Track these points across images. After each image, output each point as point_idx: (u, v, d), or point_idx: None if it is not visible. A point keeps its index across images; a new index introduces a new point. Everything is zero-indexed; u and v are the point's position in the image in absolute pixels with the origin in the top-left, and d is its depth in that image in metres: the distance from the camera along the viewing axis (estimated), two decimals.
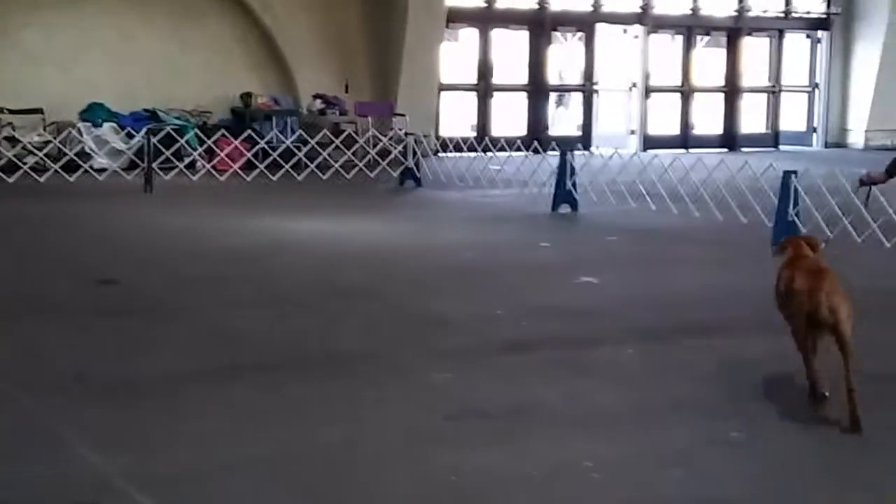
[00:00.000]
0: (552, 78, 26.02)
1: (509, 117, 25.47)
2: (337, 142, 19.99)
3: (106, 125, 19.85)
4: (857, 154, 25.83)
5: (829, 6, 28.23)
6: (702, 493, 5.24)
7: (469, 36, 25.16)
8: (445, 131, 23.80)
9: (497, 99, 25.29)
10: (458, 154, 20.50)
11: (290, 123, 21.35)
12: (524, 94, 25.58)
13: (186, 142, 19.50)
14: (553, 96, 26.54)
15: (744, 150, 26.21)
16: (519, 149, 20.59)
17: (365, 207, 15.97)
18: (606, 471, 5.42)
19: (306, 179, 18.68)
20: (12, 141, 18.91)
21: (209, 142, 19.62)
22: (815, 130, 28.72)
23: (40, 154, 18.65)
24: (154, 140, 17.92)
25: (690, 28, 27.27)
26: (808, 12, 28.35)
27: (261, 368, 7.25)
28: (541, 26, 25.29)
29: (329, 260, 11.52)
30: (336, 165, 19.28)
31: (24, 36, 20.42)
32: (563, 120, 26.91)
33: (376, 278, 10.55)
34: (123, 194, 16.81)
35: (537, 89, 25.49)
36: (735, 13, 27.43)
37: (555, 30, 25.83)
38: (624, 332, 8.28)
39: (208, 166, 19.27)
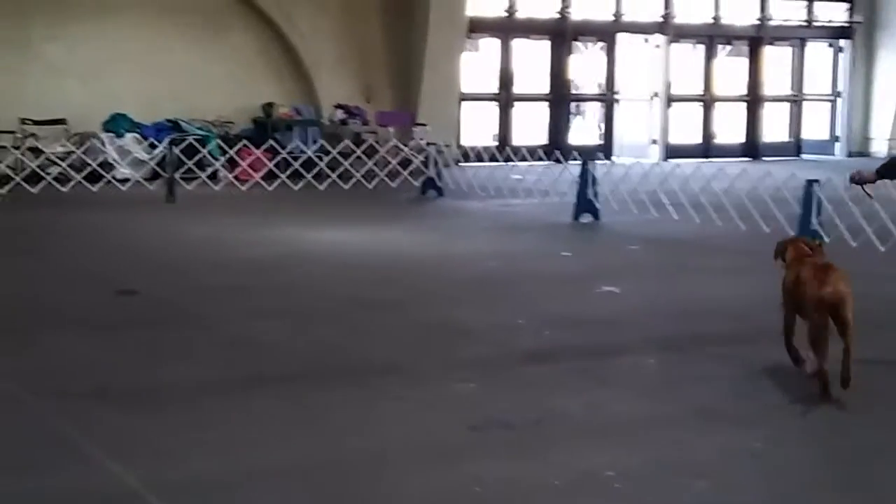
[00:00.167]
0: (573, 88, 25.99)
1: (530, 127, 25.47)
2: (358, 152, 20.01)
3: (128, 135, 19.93)
4: (880, 163, 25.63)
5: (851, 15, 28.14)
6: (724, 503, 5.22)
7: (490, 46, 25.16)
8: (467, 141, 23.80)
9: (518, 109, 25.29)
10: (479, 164, 20.51)
11: (311, 133, 21.38)
12: (545, 104, 25.58)
13: (209, 152, 19.55)
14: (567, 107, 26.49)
15: (766, 159, 26.13)
16: (540, 158, 20.57)
17: (386, 217, 15.98)
18: (628, 481, 5.41)
19: (328, 189, 18.71)
20: (36, 151, 18.99)
21: (231, 152, 19.66)
22: (837, 139, 28.60)
23: (63, 164, 18.73)
24: (176, 150, 17.99)
25: (712, 37, 27.22)
26: (831, 21, 28.26)
27: (283, 379, 7.26)
28: (562, 36, 25.27)
29: (351, 270, 11.52)
30: (358, 175, 19.30)
31: (48, 48, 20.53)
32: (580, 129, 26.85)
33: (398, 288, 10.55)
34: (146, 204, 16.86)
35: (558, 99, 25.48)
36: (757, 22, 27.37)
37: (576, 39, 25.81)
38: (646, 342, 8.26)
39: (230, 176, 19.32)
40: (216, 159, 19.64)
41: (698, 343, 8.26)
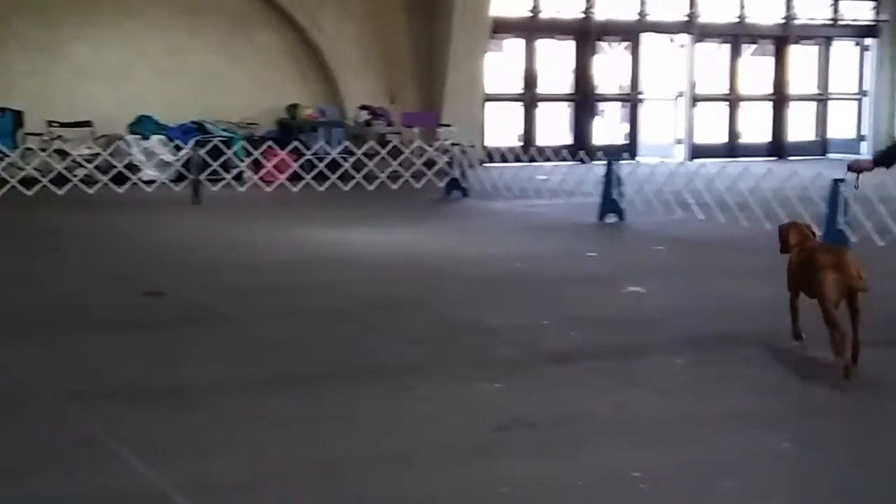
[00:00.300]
0: (597, 88, 25.96)
1: (554, 127, 25.45)
2: (383, 153, 20.05)
3: (154, 137, 20.03)
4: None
5: (877, 13, 28.01)
6: None
7: (514, 46, 25.15)
8: (491, 141, 23.80)
9: (542, 109, 25.27)
10: (503, 164, 20.49)
11: (336, 135, 21.43)
12: (570, 104, 25.55)
13: (234, 153, 19.62)
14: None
15: (792, 158, 26.03)
16: (564, 158, 20.56)
17: (411, 218, 15.99)
18: (655, 482, 5.39)
19: (352, 190, 18.74)
20: (62, 154, 19.11)
21: (256, 153, 19.73)
22: (863, 138, 28.48)
23: (90, 166, 18.85)
24: (202, 152, 18.06)
25: (737, 36, 27.15)
26: (856, 20, 28.15)
27: (309, 378, 7.27)
28: (586, 36, 25.24)
29: (376, 270, 11.53)
30: (382, 176, 19.33)
31: (74, 50, 20.65)
32: (603, 129, 26.81)
33: (423, 288, 10.55)
34: (171, 206, 16.93)
35: (583, 99, 25.45)
36: (782, 21, 27.27)
37: (600, 39, 25.77)
38: (671, 342, 8.24)
39: (255, 177, 19.38)
40: (241, 161, 19.71)
41: (724, 343, 8.23)
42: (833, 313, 6.99)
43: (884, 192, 13.04)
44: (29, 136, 19.58)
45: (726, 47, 27.32)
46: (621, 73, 26.39)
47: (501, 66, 24.99)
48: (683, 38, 26.53)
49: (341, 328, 8.77)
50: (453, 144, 19.05)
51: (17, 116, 19.79)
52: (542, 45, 25.16)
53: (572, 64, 25.52)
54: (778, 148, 27.22)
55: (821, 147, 28.04)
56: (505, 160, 20.86)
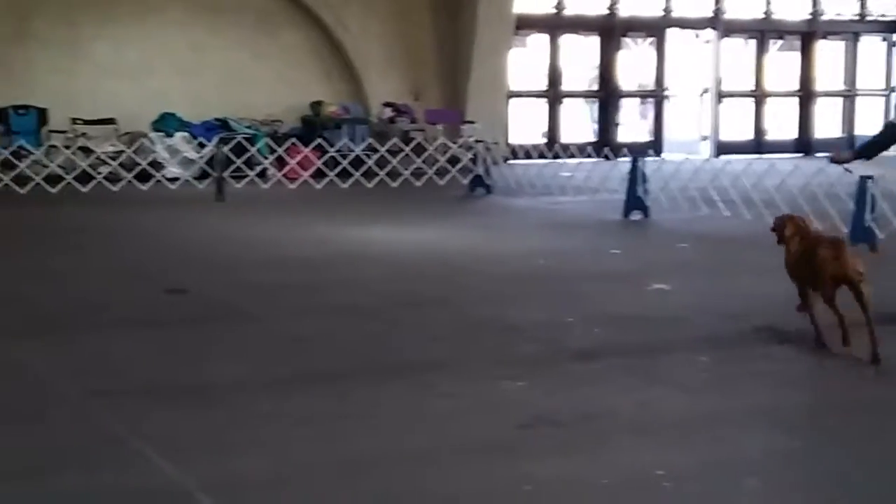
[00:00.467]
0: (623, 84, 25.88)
1: (579, 124, 25.38)
2: (407, 150, 20.04)
3: (178, 135, 20.07)
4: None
5: None
6: (774, 502, 5.15)
7: (538, 42, 25.10)
8: (515, 138, 23.77)
9: (566, 105, 25.22)
10: (527, 161, 20.45)
11: (360, 132, 21.43)
12: (594, 101, 25.49)
13: (257, 150, 19.64)
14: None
15: (819, 154, 25.87)
16: (589, 155, 20.50)
17: (435, 215, 15.96)
18: (679, 480, 5.35)
19: (376, 187, 18.73)
20: (86, 151, 19.17)
21: (280, 150, 19.75)
22: None
23: (114, 164, 18.90)
24: (225, 149, 18.08)
25: (763, 32, 27.01)
26: (884, 15, 27.97)
27: (332, 376, 7.25)
28: (611, 32, 25.17)
29: (399, 267, 11.51)
30: (406, 173, 19.32)
31: (96, 48, 20.72)
32: (628, 126, 26.72)
33: (447, 285, 10.53)
34: (195, 203, 16.96)
35: (608, 95, 25.38)
36: (809, 16, 27.13)
37: (625, 35, 25.70)
38: (696, 340, 8.19)
39: (279, 175, 19.39)
40: (265, 158, 19.73)
41: (749, 340, 8.17)
42: (826, 299, 7.47)
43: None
44: (53, 134, 19.65)
45: (752, 43, 27.20)
46: (646, 70, 26.30)
47: (525, 63, 24.94)
48: (709, 33, 26.41)
49: (364, 325, 8.76)
50: (477, 141, 19.03)
51: (42, 114, 19.87)
52: (566, 41, 25.10)
53: (597, 60, 25.44)
54: (805, 144, 27.09)
55: (848, 143, 27.84)
56: (529, 157, 20.81)
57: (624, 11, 25.22)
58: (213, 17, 21.46)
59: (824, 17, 27.28)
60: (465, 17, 22.77)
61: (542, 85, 24.96)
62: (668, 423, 6.26)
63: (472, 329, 8.63)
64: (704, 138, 26.50)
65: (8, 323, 8.78)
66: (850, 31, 27.98)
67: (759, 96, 27.13)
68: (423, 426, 6.22)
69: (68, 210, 16.11)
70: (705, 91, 26.62)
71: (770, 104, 27.31)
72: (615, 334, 8.41)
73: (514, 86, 24.13)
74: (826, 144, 26.94)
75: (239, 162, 18.76)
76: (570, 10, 24.82)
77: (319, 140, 19.63)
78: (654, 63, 26.14)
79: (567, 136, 24.48)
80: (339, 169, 19.20)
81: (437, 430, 6.14)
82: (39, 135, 19.66)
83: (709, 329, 8.58)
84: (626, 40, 25.98)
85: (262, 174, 19.39)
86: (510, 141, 23.53)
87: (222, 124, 20.56)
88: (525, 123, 24.91)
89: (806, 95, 27.47)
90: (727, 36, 26.69)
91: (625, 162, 16.36)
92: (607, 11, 25.10)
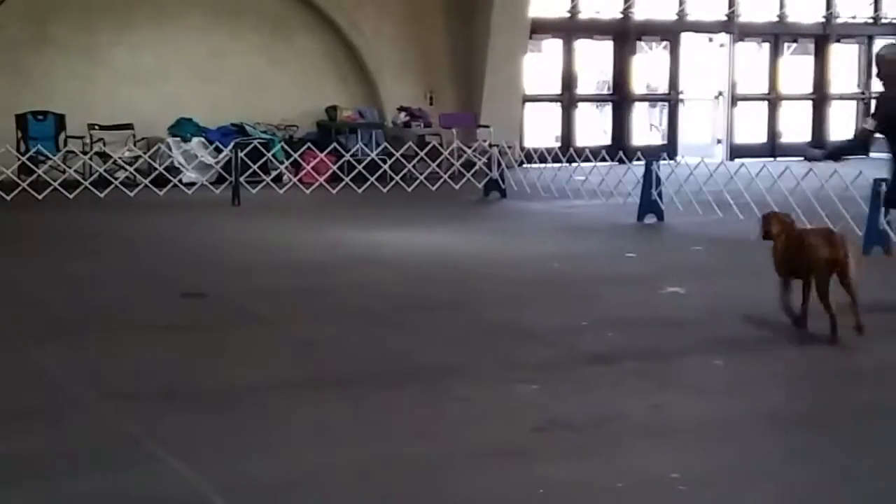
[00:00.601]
0: (638, 88, 25.87)
1: (593, 127, 25.36)
2: (421, 154, 20.05)
3: (194, 140, 20.11)
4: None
5: None
6: None
7: (553, 46, 25.09)
8: (530, 142, 23.75)
9: (581, 109, 25.20)
10: (542, 165, 20.46)
11: (375, 136, 21.42)
12: (609, 105, 25.48)
13: (273, 155, 19.69)
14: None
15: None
16: (604, 159, 20.48)
17: (450, 219, 15.98)
18: (693, 483, 5.36)
19: (391, 191, 18.76)
20: (103, 156, 19.25)
21: (295, 155, 19.78)
22: None
23: (130, 169, 18.96)
24: (241, 154, 18.14)
25: (777, 35, 26.95)
26: None
27: (347, 380, 7.28)
28: (625, 36, 25.16)
29: (414, 271, 11.54)
30: (421, 177, 19.34)
31: (114, 54, 20.77)
32: (639, 130, 26.63)
33: (461, 289, 10.54)
34: (211, 207, 17.00)
35: (622, 99, 25.37)
36: (823, 20, 27.07)
37: (639, 39, 25.68)
38: (711, 343, 8.20)
39: (295, 179, 19.42)
40: (280, 163, 19.77)
41: (763, 344, 8.18)
42: (820, 288, 7.82)
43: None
44: (71, 139, 19.73)
45: (766, 46, 27.14)
46: (660, 73, 26.26)
47: (540, 67, 24.93)
48: (723, 37, 26.37)
49: (378, 329, 8.78)
50: (492, 145, 19.02)
51: (60, 120, 19.94)
52: (580, 45, 25.08)
53: (611, 64, 25.42)
54: (819, 147, 26.99)
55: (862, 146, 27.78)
56: (543, 161, 20.82)
57: (638, 15, 25.20)
58: (229, 22, 21.49)
59: (838, 21, 27.21)
60: (479, 22, 22.76)
61: (557, 89, 24.94)
62: (683, 426, 6.27)
63: (487, 333, 8.65)
64: (719, 141, 26.44)
65: (25, 326, 8.83)
66: (865, 34, 27.90)
67: (773, 99, 27.07)
68: (437, 430, 6.24)
69: (85, 215, 16.16)
70: (719, 94, 26.57)
71: (784, 107, 27.22)
72: (630, 338, 8.42)
73: (528, 90, 24.12)
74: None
75: (255, 167, 18.80)
76: (584, 15, 24.81)
77: (335, 145, 19.66)
78: (668, 67, 26.10)
79: (581, 139, 24.45)
80: (354, 173, 19.22)
81: (451, 434, 6.16)
82: (57, 140, 19.74)
83: (723, 332, 8.58)
84: (641, 44, 25.94)
85: (278, 179, 19.43)
86: (525, 145, 23.52)
87: (238, 129, 20.61)
88: (540, 127, 24.88)
89: (820, 98, 27.39)
90: (741, 39, 26.64)
91: (639, 166, 16.35)
92: (621, 15, 25.08)
